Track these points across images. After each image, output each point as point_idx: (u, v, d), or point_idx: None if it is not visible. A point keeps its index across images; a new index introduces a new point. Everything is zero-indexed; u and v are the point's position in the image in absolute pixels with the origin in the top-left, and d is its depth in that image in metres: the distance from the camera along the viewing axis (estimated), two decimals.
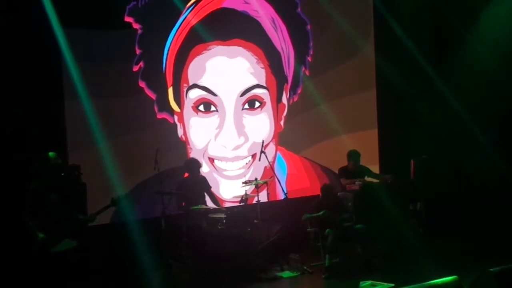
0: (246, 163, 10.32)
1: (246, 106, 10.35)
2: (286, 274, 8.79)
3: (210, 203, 9.23)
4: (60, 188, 6.90)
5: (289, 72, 10.84)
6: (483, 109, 11.34)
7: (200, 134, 10.02)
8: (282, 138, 10.72)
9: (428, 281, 5.90)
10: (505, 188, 11.08)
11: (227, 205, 9.87)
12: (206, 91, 10.03)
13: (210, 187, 9.37)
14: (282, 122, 10.73)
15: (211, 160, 10.10)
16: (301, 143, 10.91)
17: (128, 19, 9.40)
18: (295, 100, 10.88)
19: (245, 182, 9.26)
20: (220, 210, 9.09)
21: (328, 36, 11.13)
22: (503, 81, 11.19)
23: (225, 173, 10.20)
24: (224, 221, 8.63)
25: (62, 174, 7.12)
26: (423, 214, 10.60)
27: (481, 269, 6.24)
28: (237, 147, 10.25)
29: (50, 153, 6.94)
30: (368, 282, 5.78)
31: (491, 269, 6.18)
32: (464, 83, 11.46)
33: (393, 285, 5.73)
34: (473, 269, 6.59)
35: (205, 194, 9.25)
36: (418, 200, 10.58)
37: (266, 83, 10.53)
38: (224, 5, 10.18)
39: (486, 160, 11.28)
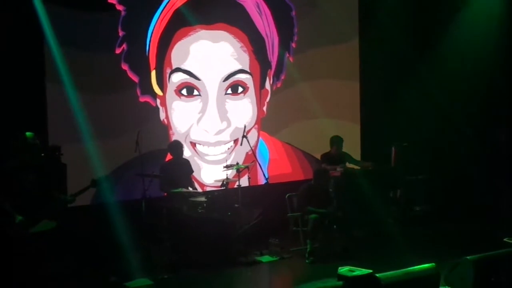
0: (228, 148, 10.31)
1: (229, 91, 10.33)
2: (266, 258, 8.82)
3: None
4: (39, 168, 6.85)
5: (273, 58, 10.83)
6: (465, 98, 11.44)
7: (183, 118, 9.99)
8: (264, 123, 10.72)
9: (406, 268, 5.95)
10: (483, 176, 11.19)
11: (208, 189, 9.87)
12: (189, 75, 9.99)
13: (193, 171, 9.36)
14: (265, 108, 10.73)
15: (193, 144, 10.08)
16: (283, 128, 10.93)
17: (111, 0, 9.33)
18: (278, 86, 10.88)
19: (227, 166, 9.27)
20: (200, 193, 9.09)
21: (313, 22, 11.12)
22: (484, 72, 11.28)
23: (207, 157, 10.18)
24: (205, 204, 8.63)
25: (42, 154, 7.04)
26: (403, 201, 10.70)
27: (459, 256, 6.32)
28: (219, 132, 10.24)
29: (28, 133, 6.85)
30: (347, 268, 5.79)
31: (469, 257, 6.26)
32: (447, 72, 11.56)
33: (371, 271, 5.74)
34: (451, 257, 6.66)
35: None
36: (398, 187, 10.66)
37: (249, 69, 10.51)
38: None
39: (466, 148, 11.39)
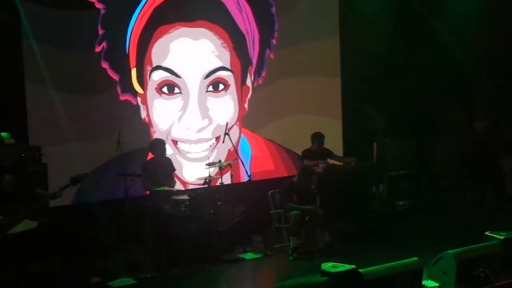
0: (210, 146, 10.28)
1: (210, 88, 10.30)
2: (249, 255, 8.82)
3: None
4: (18, 168, 6.78)
5: (254, 54, 10.82)
6: (447, 94, 11.51)
7: (164, 116, 9.95)
8: (246, 120, 10.70)
9: (389, 262, 5.96)
10: (466, 170, 11.27)
11: (190, 187, 9.84)
12: (170, 73, 9.95)
13: (175, 169, 9.33)
14: (246, 105, 10.71)
15: (175, 142, 10.04)
16: (265, 125, 10.92)
17: None
18: (259, 83, 10.87)
19: (209, 164, 9.25)
20: (183, 191, 9.06)
21: (293, 19, 11.11)
22: (467, 67, 11.37)
23: (188, 155, 10.15)
24: (187, 203, 8.61)
25: (23, 154, 6.97)
26: (385, 196, 10.73)
27: (441, 250, 6.33)
28: (201, 130, 10.21)
29: (3, 134, 6.78)
30: (330, 264, 5.80)
31: (451, 251, 6.28)
32: (428, 68, 11.64)
33: (354, 266, 5.75)
34: (433, 251, 6.67)
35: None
36: (381, 182, 10.69)
37: (230, 66, 10.48)
38: None
39: (449, 143, 11.47)
